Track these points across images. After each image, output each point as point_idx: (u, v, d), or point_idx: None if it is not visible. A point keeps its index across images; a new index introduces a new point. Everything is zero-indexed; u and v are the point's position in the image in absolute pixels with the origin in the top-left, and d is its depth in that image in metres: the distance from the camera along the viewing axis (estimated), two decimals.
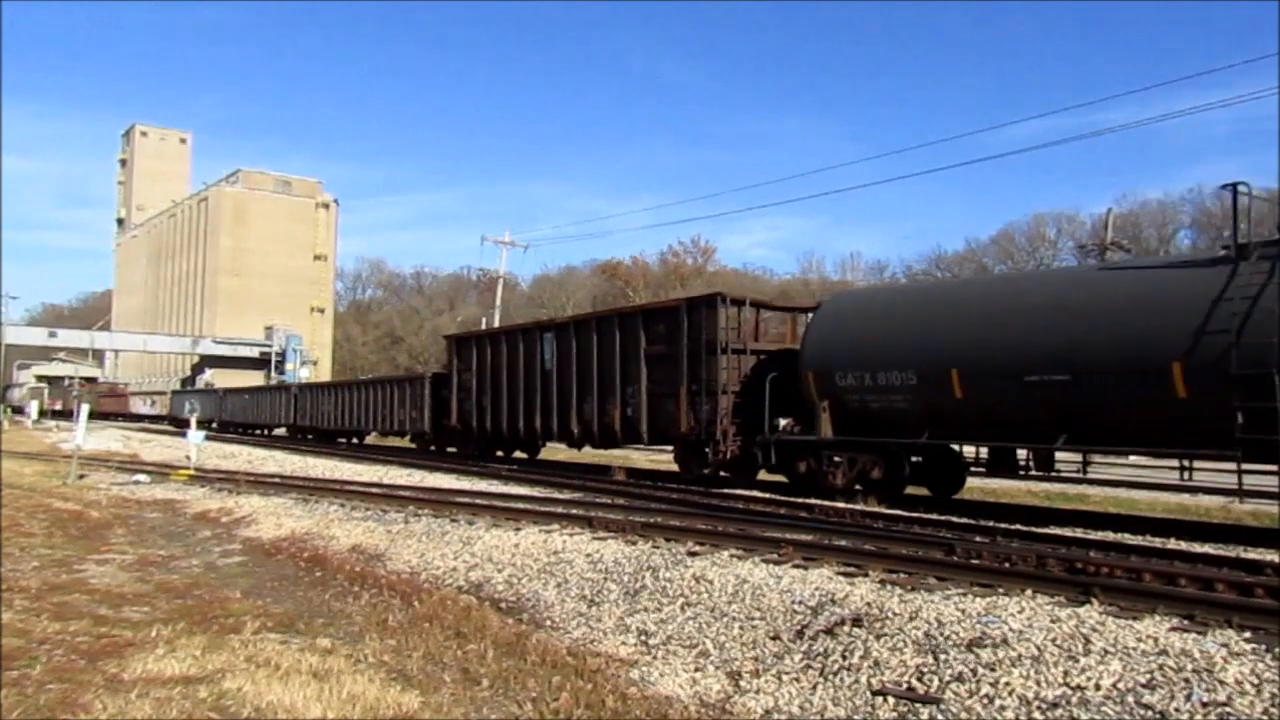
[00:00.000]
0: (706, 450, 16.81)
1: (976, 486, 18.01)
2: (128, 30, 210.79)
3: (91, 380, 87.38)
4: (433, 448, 27.35)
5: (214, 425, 46.92)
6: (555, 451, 26.50)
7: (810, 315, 17.42)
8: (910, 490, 14.44)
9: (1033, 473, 13.46)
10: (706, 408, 16.54)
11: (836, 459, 14.49)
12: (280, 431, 42.35)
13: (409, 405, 27.82)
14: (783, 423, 16.08)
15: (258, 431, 44.72)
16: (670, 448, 20.44)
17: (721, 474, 17.37)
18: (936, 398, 13.10)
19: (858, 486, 14.36)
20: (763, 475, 16.84)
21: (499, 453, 24.73)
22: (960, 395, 12.75)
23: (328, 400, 35.52)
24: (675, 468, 22.63)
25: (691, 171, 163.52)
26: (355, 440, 35.02)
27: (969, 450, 14.18)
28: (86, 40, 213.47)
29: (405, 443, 31.21)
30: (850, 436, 14.41)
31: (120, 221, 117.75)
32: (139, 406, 66.22)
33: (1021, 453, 13.36)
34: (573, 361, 20.16)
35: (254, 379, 67.57)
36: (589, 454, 24.05)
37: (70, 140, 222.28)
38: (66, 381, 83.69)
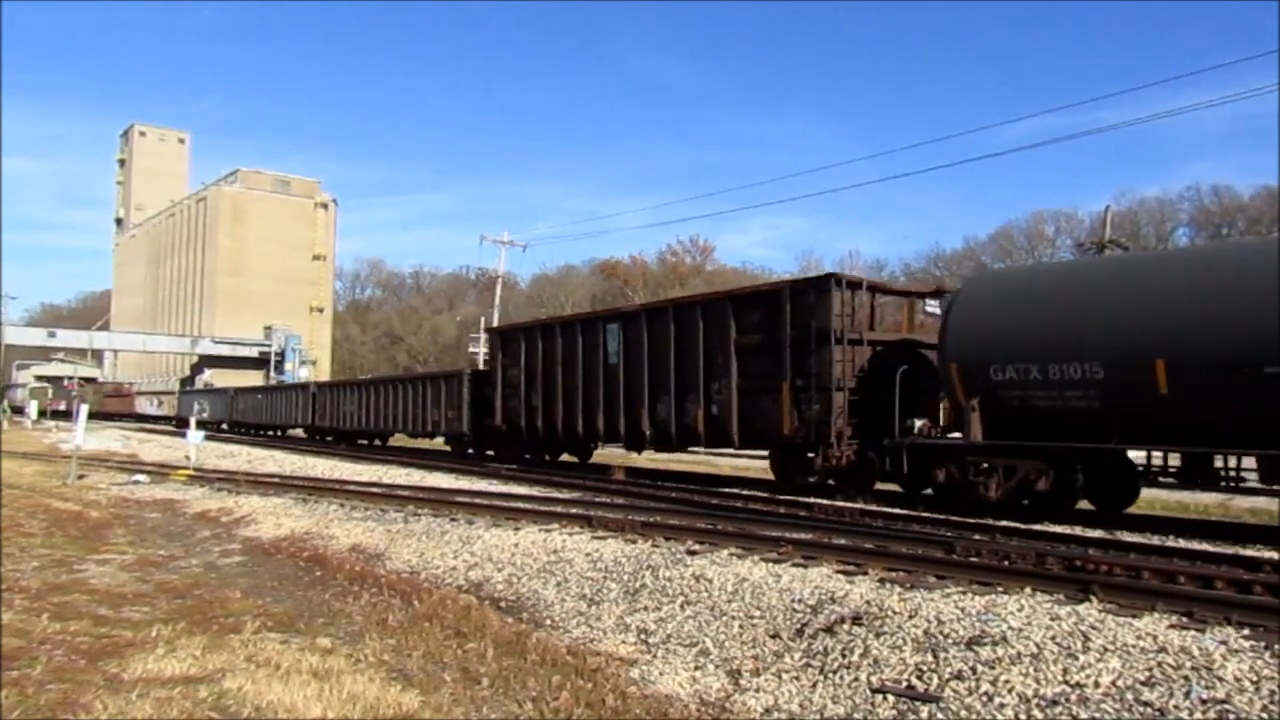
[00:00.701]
0: (810, 455, 14.91)
1: None
2: (127, 30, 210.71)
3: (91, 380, 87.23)
4: (471, 451, 25.36)
5: (223, 426, 45.92)
6: (602, 454, 24.87)
7: (930, 301, 16.02)
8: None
9: (1247, 484, 11.57)
10: (816, 406, 14.52)
11: (988, 467, 12.38)
12: (296, 433, 40.46)
13: (445, 405, 25.78)
14: (918, 424, 14.11)
15: (270, 433, 42.81)
16: (688, 447, 18.72)
17: (829, 483, 15.10)
18: (1131, 394, 11.11)
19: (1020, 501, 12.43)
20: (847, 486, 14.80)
21: (548, 456, 23.09)
22: (1165, 391, 10.77)
23: (350, 400, 33.05)
24: (677, 467, 22.51)
25: (690, 171, 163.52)
26: (379, 442, 33.20)
27: (1135, 456, 12.43)
28: (86, 41, 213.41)
29: (431, 444, 29.99)
30: (1011, 440, 12.17)
31: (119, 221, 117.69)
32: (145, 407, 64.24)
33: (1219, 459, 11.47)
34: (643, 354, 18.14)
35: (253, 379, 67.48)
36: (598, 454, 23.73)
37: (69, 140, 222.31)
38: (65, 381, 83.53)
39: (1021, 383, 12.12)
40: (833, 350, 14.37)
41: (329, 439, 35.44)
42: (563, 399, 20.42)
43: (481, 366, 54.66)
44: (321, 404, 35.88)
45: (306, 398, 37.46)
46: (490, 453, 24.21)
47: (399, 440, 32.81)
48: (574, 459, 23.00)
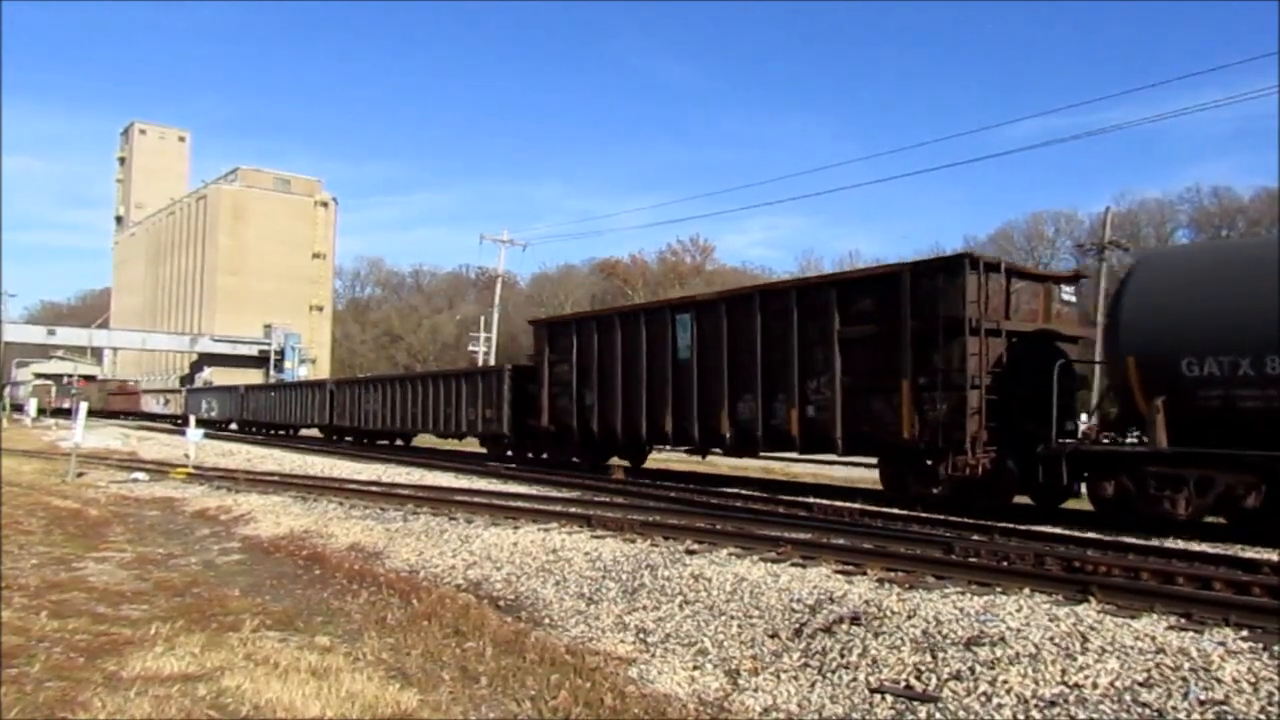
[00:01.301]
0: (933, 463, 13.13)
1: None
2: (128, 30, 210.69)
3: (90, 378, 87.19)
4: (510, 453, 23.60)
5: (231, 426, 44.84)
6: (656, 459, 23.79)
7: (1067, 287, 14.47)
8: (908, 491, 14.30)
9: None
10: (943, 407, 12.75)
11: (1174, 478, 10.66)
12: (310, 432, 38.45)
13: (481, 403, 23.84)
14: (1081, 426, 12.60)
15: (283, 432, 40.78)
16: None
17: (942, 494, 13.15)
18: None
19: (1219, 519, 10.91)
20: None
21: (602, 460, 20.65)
22: None
23: (372, 398, 30.77)
24: (673, 465, 22.42)
25: (690, 171, 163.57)
26: (400, 443, 31.76)
27: None
28: (86, 40, 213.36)
29: (460, 445, 28.98)
30: (1209, 448, 10.40)
31: (119, 219, 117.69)
32: (151, 405, 61.32)
33: None
34: (722, 348, 16.23)
35: (253, 377, 67.37)
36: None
37: (69, 139, 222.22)
38: (65, 379, 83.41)
39: (1225, 379, 10.33)
40: (966, 342, 12.55)
41: (347, 439, 33.85)
42: (622, 398, 18.54)
43: (481, 364, 52.55)
44: (340, 402, 33.64)
45: (324, 396, 35.19)
46: (536, 455, 22.65)
47: (425, 441, 31.49)
48: (625, 463, 20.52)
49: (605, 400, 19.09)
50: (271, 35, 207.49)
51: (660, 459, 24.37)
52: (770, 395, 15.40)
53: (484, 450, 25.18)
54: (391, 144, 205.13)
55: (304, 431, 39.29)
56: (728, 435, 16.23)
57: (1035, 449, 12.02)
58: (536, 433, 21.46)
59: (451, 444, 30.15)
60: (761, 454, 17.23)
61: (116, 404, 69.26)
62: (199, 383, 68.83)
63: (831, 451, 14.96)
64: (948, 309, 12.85)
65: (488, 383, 23.94)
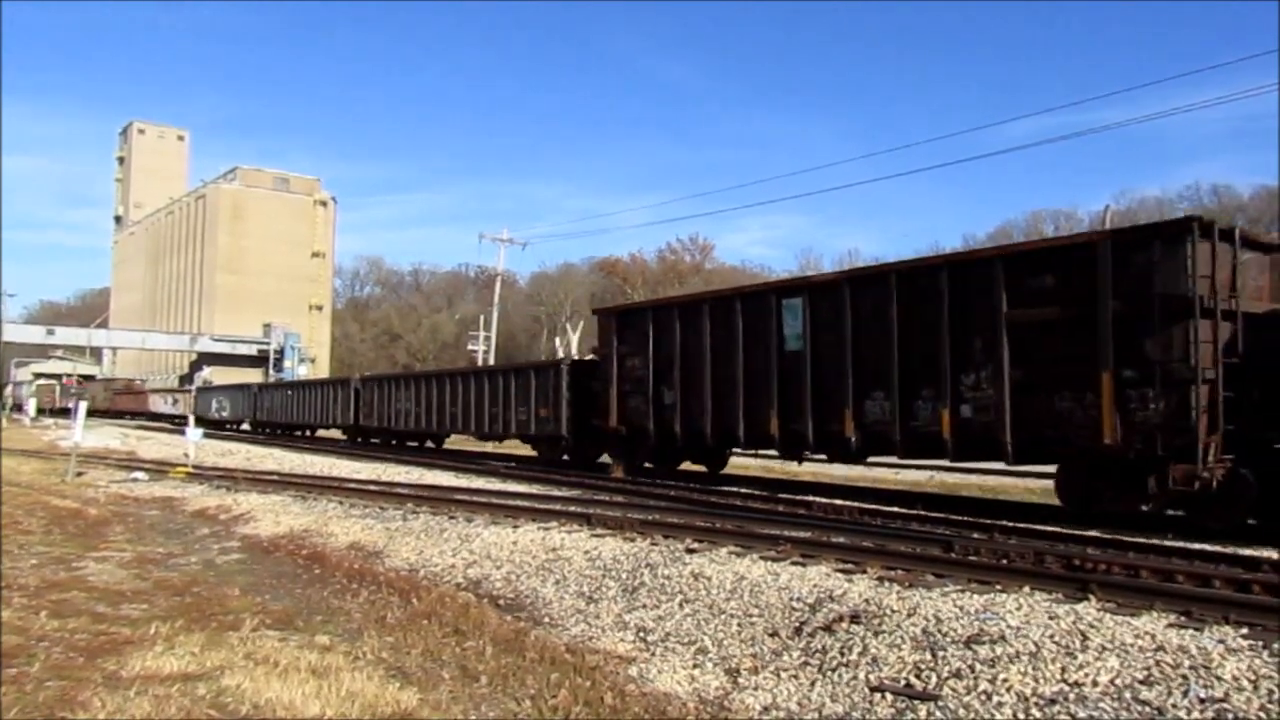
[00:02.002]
0: (1139, 472, 10.97)
1: (975, 484, 18.07)
2: (127, 30, 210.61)
3: (89, 378, 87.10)
4: (566, 457, 21.55)
5: (242, 426, 43.34)
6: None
7: None
8: (908, 489, 14.32)
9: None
10: (1158, 405, 10.65)
11: None
12: (329, 434, 36.54)
13: (535, 402, 21.64)
14: None
15: (299, 433, 38.62)
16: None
17: (1163, 514, 11.47)
18: None
19: None
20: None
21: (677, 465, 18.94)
22: None
23: (404, 396, 28.53)
24: (748, 469, 20.61)
25: (689, 170, 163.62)
26: (430, 445, 29.99)
27: None
28: (86, 40, 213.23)
29: (499, 448, 27.63)
30: None
31: (118, 219, 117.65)
32: (159, 405, 58.87)
33: None
34: (844, 337, 13.92)
35: (252, 376, 67.27)
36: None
37: (69, 139, 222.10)
38: (65, 378, 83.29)
39: None
40: (1193, 326, 10.42)
41: (373, 441, 31.85)
42: (713, 396, 16.23)
43: (481, 363, 50.88)
44: (368, 401, 31.18)
45: (348, 394, 32.75)
46: (603, 460, 20.51)
47: (459, 443, 29.61)
48: (700, 468, 18.91)
49: (691, 399, 16.78)
50: (271, 34, 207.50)
51: (738, 464, 21.62)
52: (910, 392, 13.11)
53: (534, 454, 23.10)
54: (391, 143, 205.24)
55: (321, 433, 37.64)
56: (852, 439, 13.84)
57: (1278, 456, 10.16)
58: (603, 434, 19.33)
59: (487, 446, 28.73)
60: (901, 460, 14.82)
61: (123, 403, 67.37)
62: (198, 382, 68.13)
63: (995, 458, 12.64)
64: (1167, 285, 10.68)
65: (543, 379, 21.72)
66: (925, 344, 12.85)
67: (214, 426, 43.77)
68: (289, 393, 39.67)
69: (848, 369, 13.94)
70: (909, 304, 13.20)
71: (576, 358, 23.64)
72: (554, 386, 21.09)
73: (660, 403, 17.56)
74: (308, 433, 38.39)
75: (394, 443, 30.46)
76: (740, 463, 22.65)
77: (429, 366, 73.79)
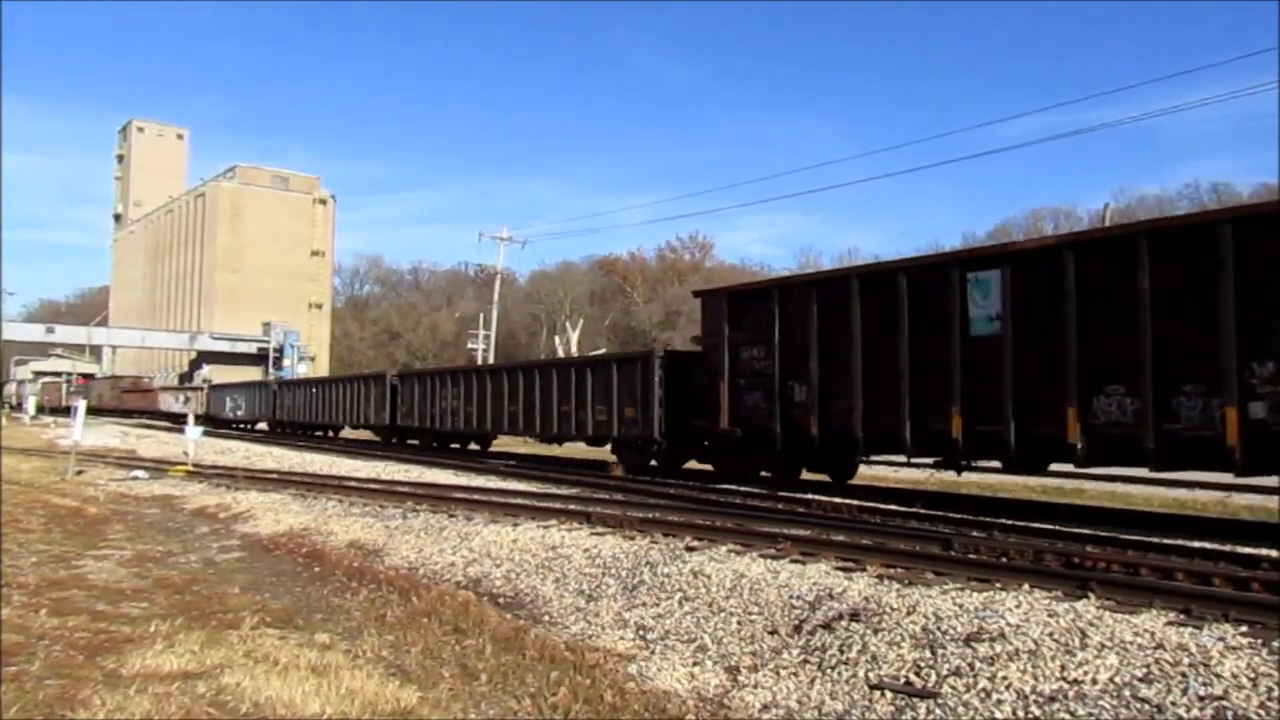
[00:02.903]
0: None
1: (974, 481, 18.06)
2: (127, 29, 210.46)
3: (90, 376, 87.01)
4: (655, 463, 18.68)
5: (258, 426, 41.66)
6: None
7: None
8: (907, 487, 14.29)
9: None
10: None
11: None
12: (349, 433, 34.30)
13: (617, 400, 18.72)
14: None
15: (321, 434, 36.11)
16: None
17: None
18: None
19: None
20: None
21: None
22: None
23: (450, 393, 25.70)
24: (892, 481, 18.08)
25: (689, 168, 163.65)
26: (474, 446, 27.44)
27: None
28: (86, 39, 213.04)
29: (560, 451, 24.97)
30: None
31: (117, 217, 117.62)
32: (169, 403, 55.29)
33: None
34: (1066, 317, 11.20)
35: (252, 374, 67.28)
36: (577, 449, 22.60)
37: (68, 138, 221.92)
38: (77, 377, 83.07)
39: None
40: None
41: (411, 442, 29.19)
42: (864, 392, 13.58)
43: (481, 361, 47.92)
44: (407, 398, 28.35)
45: (382, 390, 29.97)
46: (704, 466, 17.93)
47: (510, 445, 27.19)
48: (824, 477, 16.23)
49: (833, 396, 14.07)
50: (270, 33, 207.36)
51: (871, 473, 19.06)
52: (1170, 385, 10.43)
53: (611, 458, 19.80)
54: (390, 141, 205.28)
55: (348, 433, 35.30)
56: (1078, 444, 11.10)
57: None
58: (709, 436, 16.79)
59: (539, 448, 25.99)
60: (1153, 471, 11.12)
61: (131, 402, 63.85)
62: (197, 380, 67.72)
63: None
64: None
65: (627, 374, 18.68)
66: (1195, 325, 10.19)
67: (226, 426, 42.51)
68: (313, 390, 36.47)
69: (1070, 357, 11.16)
70: (1165, 273, 10.49)
71: (672, 348, 20.82)
72: (643, 382, 18.10)
73: (789, 400, 14.86)
74: (330, 434, 36.13)
75: (435, 445, 27.86)
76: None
77: (430, 365, 73.64)
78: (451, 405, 25.72)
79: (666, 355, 18.51)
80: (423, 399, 27.45)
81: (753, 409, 15.53)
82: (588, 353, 52.18)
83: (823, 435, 14.27)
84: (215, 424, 42.43)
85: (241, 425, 43.58)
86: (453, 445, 27.83)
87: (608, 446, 20.15)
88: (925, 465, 16.31)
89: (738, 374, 15.79)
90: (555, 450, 25.41)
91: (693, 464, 18.54)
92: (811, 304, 14.57)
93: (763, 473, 16.04)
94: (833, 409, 14.13)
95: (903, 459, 13.75)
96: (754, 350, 15.57)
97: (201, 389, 51.56)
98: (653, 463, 18.70)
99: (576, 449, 23.43)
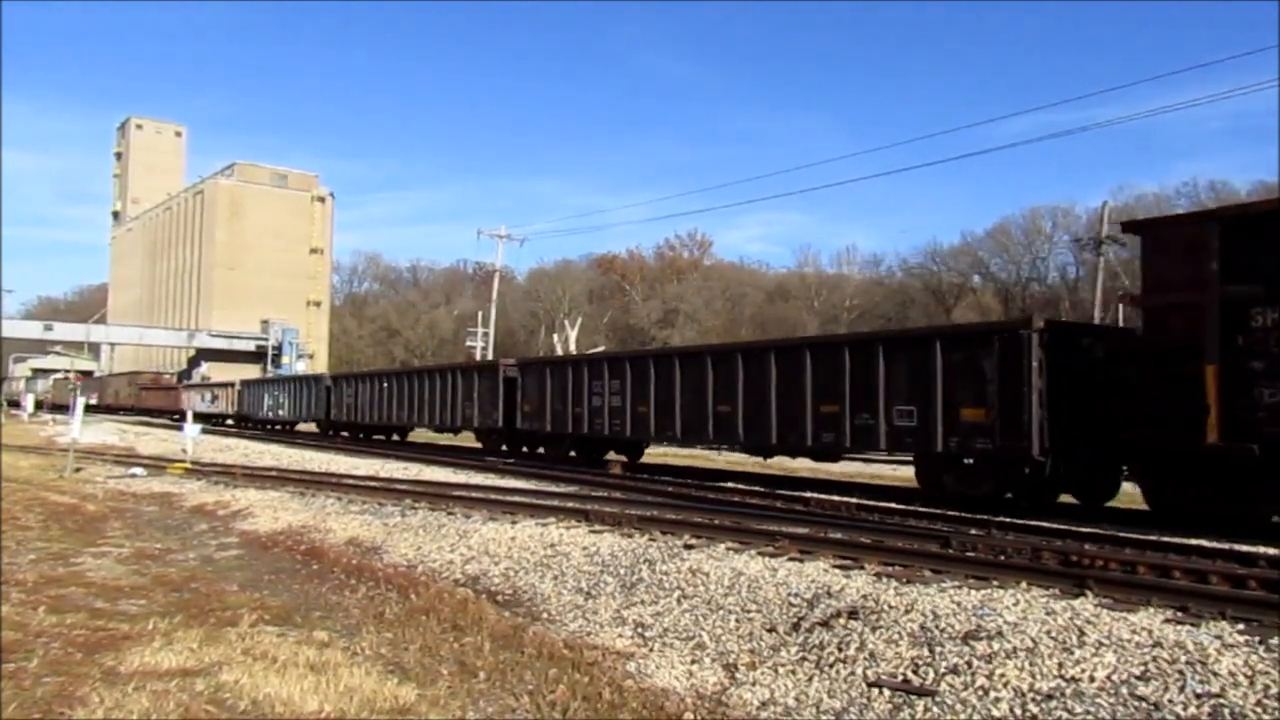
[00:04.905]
0: None
1: None
2: (126, 28, 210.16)
3: (88, 374, 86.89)
4: (943, 483, 13.31)
5: (293, 426, 37.44)
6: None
7: None
8: (905, 485, 14.26)
9: None
10: None
11: None
12: (414, 436, 30.32)
13: (949, 396, 12.58)
14: None
15: (383, 437, 31.51)
16: None
17: None
18: None
19: None
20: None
21: None
22: None
23: (610, 388, 19.25)
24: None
25: (688, 167, 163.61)
26: (615, 454, 21.35)
27: None
28: (85, 38, 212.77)
29: (764, 466, 19.66)
30: None
31: (116, 215, 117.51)
32: (195, 402, 48.51)
33: None
34: None
35: (250, 372, 67.07)
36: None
37: (67, 136, 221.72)
38: (62, 374, 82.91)
39: None
40: None
41: (539, 451, 22.78)
42: None
43: (474, 358, 45.29)
44: (531, 394, 22.01)
45: (492, 384, 23.62)
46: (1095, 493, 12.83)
47: (691, 458, 22.45)
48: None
49: None
50: (269, 31, 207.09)
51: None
52: None
53: (903, 479, 15.27)
54: (389, 140, 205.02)
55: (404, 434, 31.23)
56: None
57: None
58: (1158, 455, 11.05)
59: (733, 462, 21.16)
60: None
61: (151, 400, 57.56)
62: (196, 378, 67.25)
63: None
64: None
65: (967, 356, 12.51)
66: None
67: (262, 428, 39.63)
68: (384, 385, 29.94)
69: None
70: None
71: (1051, 318, 14.19)
72: (998, 370, 12.05)
73: None
74: (395, 436, 31.67)
75: (574, 454, 21.49)
76: (736, 459, 22.45)
77: (429, 361, 73.40)
78: (611, 404, 19.24)
79: (1049, 328, 12.01)
80: (556, 396, 21.07)
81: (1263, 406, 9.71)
82: (588, 350, 51.90)
83: None
84: (249, 425, 39.64)
85: (283, 427, 38.94)
86: (609, 457, 21.04)
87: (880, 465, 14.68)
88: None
89: (1251, 354, 9.86)
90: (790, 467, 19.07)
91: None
92: None
93: None
94: None
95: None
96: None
97: (232, 385, 46.10)
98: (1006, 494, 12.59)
99: (843, 469, 17.42)
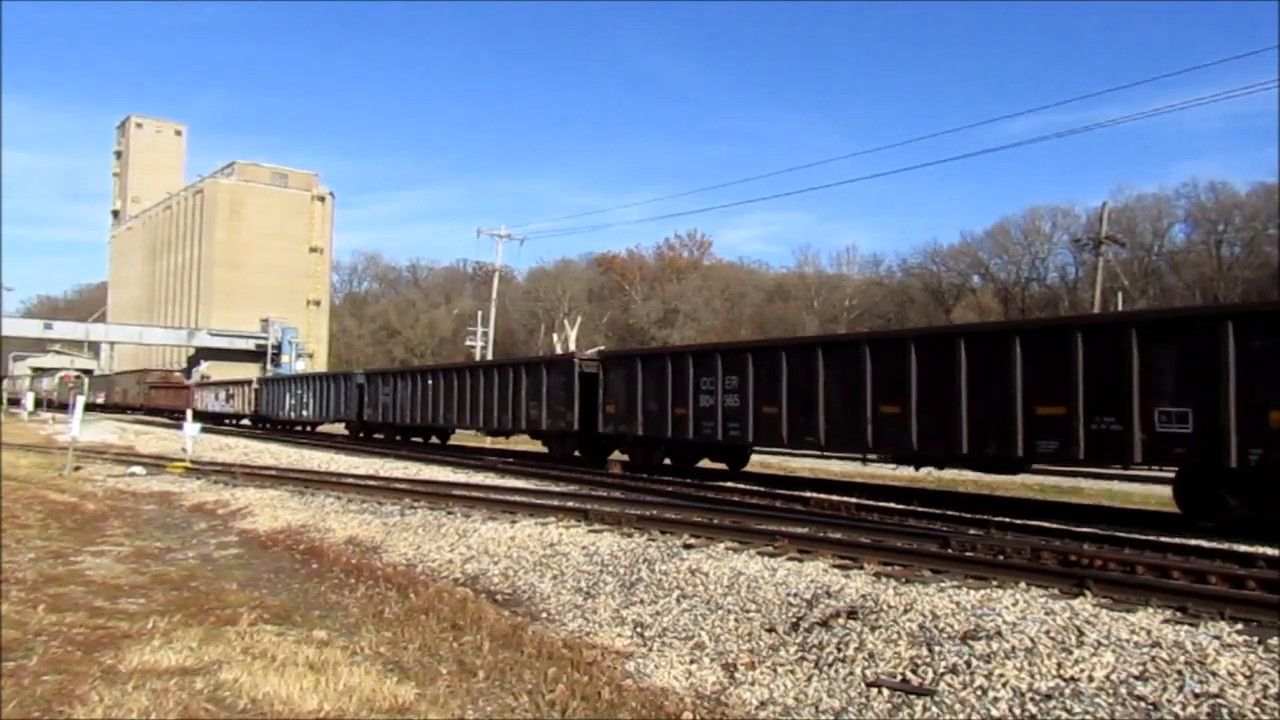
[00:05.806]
0: None
1: (971, 479, 18.10)
2: (126, 27, 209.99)
3: (87, 372, 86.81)
4: (1225, 506, 10.60)
5: (315, 428, 35.22)
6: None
7: None
8: (904, 485, 14.31)
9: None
10: None
11: None
12: (456, 439, 28.13)
13: (1160, 392, 10.67)
14: None
15: (422, 439, 29.12)
16: None
17: None
18: None
19: None
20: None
21: None
22: None
23: (725, 383, 16.47)
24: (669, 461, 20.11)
25: (687, 166, 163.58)
26: (715, 463, 19.07)
27: None
28: (85, 37, 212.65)
29: (501, 443, 20.13)
30: None
31: (115, 214, 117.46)
32: (208, 402, 45.96)
33: None
34: None
35: (250, 371, 66.89)
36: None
37: (67, 135, 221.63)
38: (63, 373, 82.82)
39: None
40: None
41: (625, 460, 19.58)
42: None
43: (474, 358, 45.05)
44: (617, 392, 19.18)
45: (567, 380, 20.66)
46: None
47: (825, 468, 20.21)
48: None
49: None
50: (269, 31, 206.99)
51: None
52: None
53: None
54: (389, 139, 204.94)
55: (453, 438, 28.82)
56: None
57: None
58: None
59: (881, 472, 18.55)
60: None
61: (161, 399, 54.67)
62: (196, 377, 66.99)
63: None
64: None
65: (1182, 346, 10.64)
66: None
67: (284, 428, 37.57)
68: (428, 381, 26.98)
69: None
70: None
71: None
72: (1206, 360, 10.26)
73: None
74: (433, 438, 29.17)
75: (667, 462, 19.23)
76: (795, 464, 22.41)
77: (429, 361, 73.36)
78: (725, 404, 16.41)
79: None
80: (650, 395, 18.12)
81: None
82: (586, 349, 51.12)
83: None
84: (268, 426, 37.55)
85: (307, 428, 36.55)
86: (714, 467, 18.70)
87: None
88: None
89: None
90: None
91: None
92: None
93: None
94: None
95: None
96: None
97: (249, 384, 43.59)
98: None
99: (843, 469, 16.36)
